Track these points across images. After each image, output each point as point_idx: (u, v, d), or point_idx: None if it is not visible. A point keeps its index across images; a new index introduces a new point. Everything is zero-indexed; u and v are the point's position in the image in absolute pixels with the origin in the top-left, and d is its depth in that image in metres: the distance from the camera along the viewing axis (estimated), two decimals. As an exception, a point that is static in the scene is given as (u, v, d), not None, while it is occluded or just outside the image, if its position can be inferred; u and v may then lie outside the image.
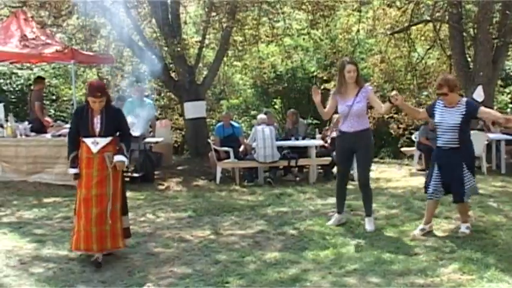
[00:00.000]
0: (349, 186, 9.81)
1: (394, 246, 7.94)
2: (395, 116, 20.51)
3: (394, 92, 8.53)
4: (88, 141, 7.31)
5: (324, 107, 9.14)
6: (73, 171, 7.40)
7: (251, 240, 8.45)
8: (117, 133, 7.57)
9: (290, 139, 14.58)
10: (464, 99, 8.36)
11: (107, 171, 7.32)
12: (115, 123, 7.48)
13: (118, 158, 7.37)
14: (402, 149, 18.65)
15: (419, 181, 12.96)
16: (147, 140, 14.21)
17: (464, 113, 8.09)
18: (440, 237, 8.36)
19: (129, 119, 13.79)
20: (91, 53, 17.36)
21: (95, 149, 7.31)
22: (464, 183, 8.19)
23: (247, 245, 8.20)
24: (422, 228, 8.54)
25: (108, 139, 7.38)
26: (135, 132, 13.55)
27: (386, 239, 8.33)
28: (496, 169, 15.47)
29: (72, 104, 15.91)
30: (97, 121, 7.32)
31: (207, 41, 19.11)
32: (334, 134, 14.91)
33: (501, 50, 17.11)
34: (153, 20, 18.07)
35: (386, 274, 6.74)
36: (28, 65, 20.70)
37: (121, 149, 7.46)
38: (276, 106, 24.27)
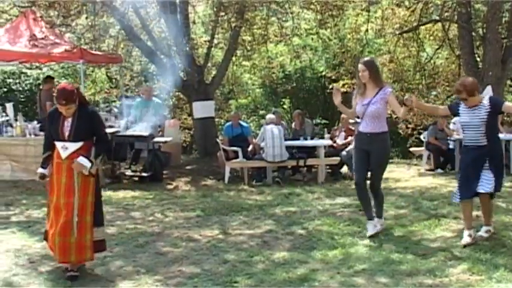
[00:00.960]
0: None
1: (402, 246, 7.93)
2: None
3: (407, 95, 8.46)
4: (58, 145, 6.87)
5: (350, 107, 9.07)
6: (40, 170, 7.12)
7: (259, 240, 8.46)
8: (93, 137, 7.01)
9: (299, 139, 14.56)
10: (487, 96, 8.30)
11: (74, 179, 6.79)
12: (87, 127, 6.88)
13: (79, 159, 6.74)
14: (411, 149, 18.64)
15: (428, 181, 12.97)
16: (156, 139, 14.21)
17: (488, 110, 7.97)
18: (449, 238, 8.35)
19: (130, 118, 13.89)
20: (100, 53, 17.37)
21: (63, 154, 6.83)
22: (490, 179, 8.01)
23: (255, 245, 8.21)
24: (469, 234, 8.14)
25: (79, 144, 6.82)
26: (144, 131, 13.60)
27: (395, 239, 8.33)
28: (506, 169, 15.40)
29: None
30: (67, 125, 6.82)
31: (215, 41, 19.12)
32: (342, 134, 14.96)
33: (510, 50, 17.05)
34: (162, 20, 18.08)
35: (394, 274, 6.73)
36: (37, 64, 20.69)
37: (88, 152, 6.84)
38: (285, 106, 24.26)
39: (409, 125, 20.17)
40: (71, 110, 6.77)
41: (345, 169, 14.84)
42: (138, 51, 19.50)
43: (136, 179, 13.91)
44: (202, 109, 17.70)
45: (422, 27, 19.71)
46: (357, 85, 9.00)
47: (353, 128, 15.41)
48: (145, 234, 8.78)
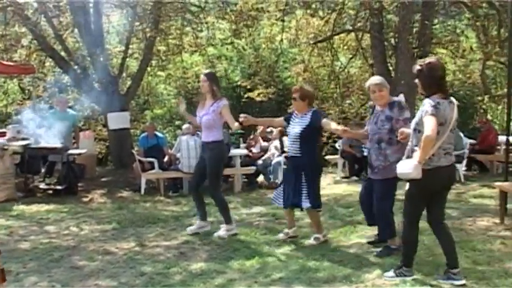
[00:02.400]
0: (270, 195, 9.89)
1: (319, 253, 8.01)
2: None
3: (243, 115, 8.79)
4: None
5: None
6: None
7: (176, 251, 8.42)
8: None
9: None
10: (312, 109, 8.55)
11: None
12: None
13: None
14: (326, 157, 18.84)
15: (343, 188, 13.15)
16: (70, 151, 13.99)
17: (308, 122, 8.35)
18: (365, 244, 8.47)
19: (41, 131, 13.60)
20: (11, 63, 17.02)
21: None
22: (302, 192, 8.38)
23: (172, 256, 8.16)
24: (286, 232, 8.86)
25: None
26: (57, 143, 13.37)
27: (311, 247, 8.40)
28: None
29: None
30: None
31: (130, 51, 18.98)
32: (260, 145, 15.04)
33: (421, 59, 17.47)
34: (76, 30, 17.85)
35: (311, 281, 6.79)
36: None
37: None
38: (201, 116, 24.18)
39: (324, 133, 20.40)
40: None
41: (261, 178, 14.91)
42: (52, 62, 19.19)
43: (51, 192, 13.64)
44: (117, 120, 17.52)
45: (336, 37, 20.00)
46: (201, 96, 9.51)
47: (270, 137, 15.59)
48: (60, 248, 8.63)
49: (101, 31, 17.80)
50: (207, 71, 10.03)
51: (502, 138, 16.41)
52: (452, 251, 6.82)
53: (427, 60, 6.96)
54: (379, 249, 7.98)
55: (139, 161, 14.05)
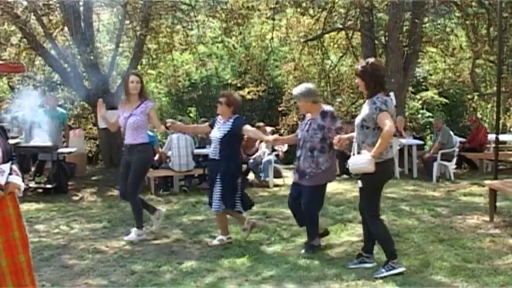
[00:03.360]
0: (264, 194, 9.88)
1: (309, 252, 8.01)
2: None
3: (169, 120, 8.91)
4: None
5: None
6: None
7: (167, 250, 8.42)
8: None
9: (205, 147, 14.55)
10: (235, 116, 8.65)
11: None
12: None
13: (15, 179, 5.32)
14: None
15: (334, 187, 13.14)
16: (60, 150, 13.96)
17: (229, 128, 8.50)
18: (355, 242, 8.50)
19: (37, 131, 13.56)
20: (1, 62, 16.95)
21: (3, 179, 5.15)
22: (216, 194, 8.49)
23: (163, 255, 8.16)
24: (221, 239, 8.75)
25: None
26: (47, 142, 13.33)
27: (302, 245, 8.41)
28: (409, 173, 15.82)
29: (-18, 115, 15.55)
30: None
31: (120, 49, 18.93)
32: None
33: (411, 58, 17.55)
34: (66, 28, 17.80)
35: (302, 280, 6.81)
36: None
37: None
38: (191, 114, 24.19)
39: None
40: None
41: (251, 176, 14.93)
42: (41, 60, 19.14)
43: (41, 190, 13.62)
44: (108, 118, 17.46)
45: (327, 36, 20.03)
46: (125, 95, 9.34)
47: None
48: (50, 247, 8.62)
49: (91, 29, 17.75)
50: (137, 71, 9.80)
51: (491, 137, 16.47)
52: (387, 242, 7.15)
53: (369, 60, 7.18)
54: (303, 250, 8.11)
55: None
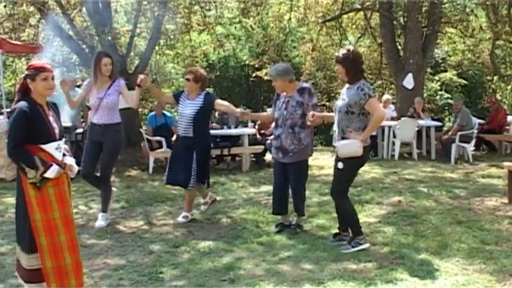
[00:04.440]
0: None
1: (326, 232, 8.02)
2: (327, 103, 20.69)
3: (142, 76, 8.88)
4: (50, 148, 5.32)
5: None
6: (57, 169, 5.28)
7: (184, 230, 8.44)
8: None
9: (222, 128, 14.55)
10: (204, 92, 8.81)
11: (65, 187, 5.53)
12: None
13: (70, 160, 5.55)
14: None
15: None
16: (79, 130, 14.00)
17: (201, 104, 8.64)
18: (373, 223, 8.49)
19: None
20: (19, 43, 17.00)
21: (61, 156, 5.42)
22: (191, 171, 8.62)
23: (180, 235, 8.18)
24: (184, 216, 8.96)
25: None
26: (66, 123, 13.36)
27: (319, 226, 8.42)
28: (427, 155, 15.78)
29: (1, 95, 15.58)
30: (52, 119, 5.43)
31: (138, 30, 18.93)
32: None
33: (430, 38, 17.43)
34: (83, 9, 17.80)
35: (319, 260, 6.80)
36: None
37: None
38: (209, 95, 24.19)
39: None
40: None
41: (268, 157, 14.92)
42: (60, 41, 19.17)
43: (59, 170, 13.65)
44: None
45: (345, 16, 19.96)
46: (94, 76, 8.90)
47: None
48: (68, 226, 8.66)
49: (109, 10, 17.74)
50: (107, 52, 9.60)
51: (511, 118, 16.38)
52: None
53: (349, 48, 7.47)
54: (290, 230, 8.20)
55: (148, 140, 14.06)
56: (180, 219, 8.87)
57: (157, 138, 14.02)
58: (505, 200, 9.83)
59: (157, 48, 19.55)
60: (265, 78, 20.45)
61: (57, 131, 5.38)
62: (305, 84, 8.26)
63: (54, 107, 5.63)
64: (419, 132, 15.60)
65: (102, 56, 8.81)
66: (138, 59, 19.18)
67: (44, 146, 5.27)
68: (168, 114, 15.28)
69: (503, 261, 6.59)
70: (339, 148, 7.14)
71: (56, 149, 5.36)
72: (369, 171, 12.92)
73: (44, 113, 5.35)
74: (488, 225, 8.24)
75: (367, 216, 8.94)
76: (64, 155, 5.42)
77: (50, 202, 5.28)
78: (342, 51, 7.30)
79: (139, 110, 19.96)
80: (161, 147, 13.91)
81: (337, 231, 7.73)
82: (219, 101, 8.82)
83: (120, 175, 13.55)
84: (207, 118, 8.97)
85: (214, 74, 23.51)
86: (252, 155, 14.78)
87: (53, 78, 5.34)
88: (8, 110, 14.83)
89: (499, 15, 18.21)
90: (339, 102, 7.32)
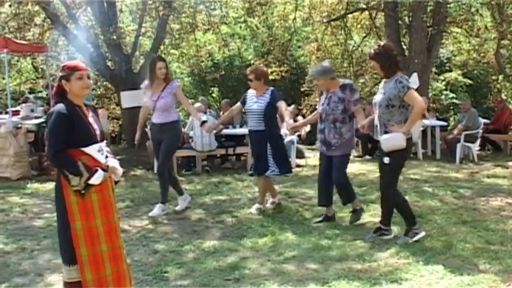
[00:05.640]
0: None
1: (331, 232, 8.02)
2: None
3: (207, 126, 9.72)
4: (92, 150, 5.14)
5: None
6: (102, 174, 5.09)
7: (189, 229, 8.45)
8: None
9: (227, 127, 14.56)
10: (271, 88, 9.24)
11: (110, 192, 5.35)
12: None
13: (114, 163, 5.40)
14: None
15: (357, 167, 13.13)
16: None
17: (268, 100, 9.04)
18: (377, 223, 8.46)
19: None
20: (25, 42, 17.02)
21: (103, 158, 5.26)
22: (267, 159, 9.14)
23: (185, 234, 8.19)
24: (257, 208, 9.49)
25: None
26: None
27: (324, 225, 8.42)
28: (432, 154, 15.77)
29: (6, 95, 15.61)
30: (92, 120, 5.28)
31: (143, 29, 18.96)
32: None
33: (435, 38, 17.40)
34: (89, 8, 17.84)
35: (324, 260, 6.80)
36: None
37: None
38: (214, 94, 24.24)
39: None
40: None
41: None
42: (65, 40, 19.20)
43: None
44: (131, 98, 17.46)
45: (350, 16, 19.94)
46: (150, 80, 9.44)
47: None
48: (73, 225, 8.66)
49: (114, 9, 17.78)
50: (162, 56, 10.05)
51: (516, 118, 16.37)
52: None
53: (380, 43, 7.60)
54: (350, 217, 8.70)
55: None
56: (253, 210, 9.42)
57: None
58: (510, 200, 9.82)
59: (162, 47, 19.56)
60: (271, 77, 20.46)
61: (98, 132, 5.21)
62: (347, 81, 8.63)
63: (94, 110, 5.47)
64: (424, 132, 15.58)
65: (157, 60, 9.36)
66: (143, 59, 19.22)
67: (86, 149, 5.08)
68: (173, 113, 15.26)
69: (508, 261, 6.58)
70: (382, 142, 7.26)
71: (98, 151, 5.17)
72: (374, 170, 12.89)
73: (83, 114, 5.18)
74: (494, 225, 8.22)
75: (372, 215, 8.93)
76: (106, 157, 5.29)
77: (93, 209, 5.09)
78: (374, 47, 7.49)
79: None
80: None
81: (379, 225, 7.86)
82: (281, 103, 9.12)
83: (125, 174, 13.45)
84: (275, 112, 9.25)
85: (219, 74, 23.52)
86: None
87: (88, 77, 5.25)
88: (14, 109, 14.91)
89: (504, 15, 18.15)
90: (378, 97, 7.45)
